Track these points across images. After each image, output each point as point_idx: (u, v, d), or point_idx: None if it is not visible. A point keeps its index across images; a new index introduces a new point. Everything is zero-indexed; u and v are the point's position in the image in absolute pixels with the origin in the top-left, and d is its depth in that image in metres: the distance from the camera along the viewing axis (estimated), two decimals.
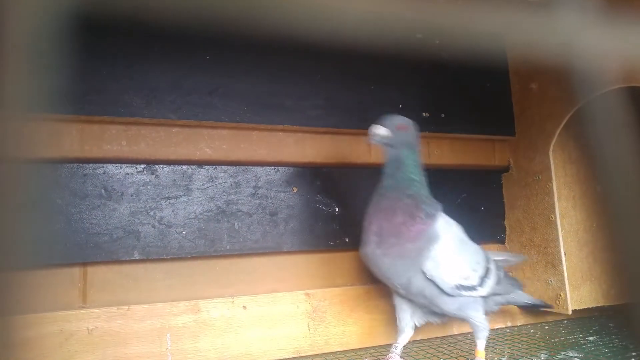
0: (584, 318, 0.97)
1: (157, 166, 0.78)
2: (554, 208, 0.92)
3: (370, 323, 0.85)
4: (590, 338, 0.85)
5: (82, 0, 0.16)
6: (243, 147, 0.83)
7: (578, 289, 0.91)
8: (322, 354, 0.81)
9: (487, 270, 0.72)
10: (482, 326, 0.70)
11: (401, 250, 0.65)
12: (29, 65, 0.16)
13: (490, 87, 1.04)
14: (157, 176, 0.78)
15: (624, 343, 0.80)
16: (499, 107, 1.04)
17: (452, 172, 1.02)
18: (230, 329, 0.77)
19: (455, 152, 1.02)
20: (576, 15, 0.23)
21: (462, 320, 0.72)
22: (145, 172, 0.77)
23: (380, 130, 0.66)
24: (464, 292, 0.68)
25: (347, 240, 0.88)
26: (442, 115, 0.98)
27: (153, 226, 0.76)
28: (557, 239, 0.91)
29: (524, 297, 0.83)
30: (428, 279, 0.66)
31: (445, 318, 0.74)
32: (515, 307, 1.01)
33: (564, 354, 0.76)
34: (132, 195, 0.76)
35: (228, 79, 0.81)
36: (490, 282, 0.72)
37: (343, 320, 0.84)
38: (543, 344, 0.83)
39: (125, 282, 0.75)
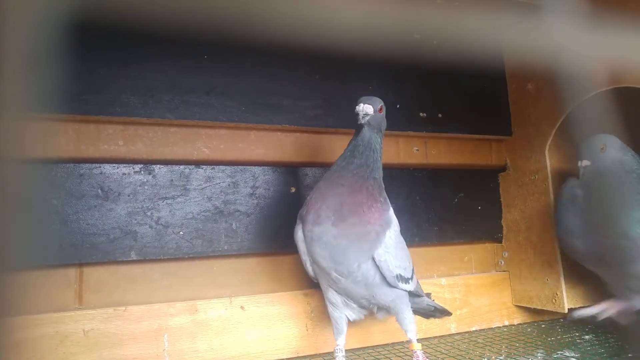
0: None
1: (154, 166, 0.78)
2: (550, 207, 0.92)
3: (369, 323, 0.85)
4: (587, 337, 0.86)
5: (79, 2, 0.16)
6: (241, 146, 0.83)
7: (574, 288, 0.92)
8: (320, 354, 0.81)
9: (413, 267, 0.73)
10: (410, 319, 0.70)
11: (362, 231, 0.62)
12: (25, 65, 0.16)
13: (487, 87, 1.05)
14: (154, 176, 0.78)
15: (620, 342, 0.80)
16: (496, 107, 1.04)
17: (449, 172, 1.03)
18: (228, 330, 0.77)
19: (452, 151, 1.02)
20: (565, 20, 0.23)
21: (390, 313, 0.71)
22: (142, 172, 0.77)
23: (369, 110, 0.64)
24: (400, 284, 0.67)
25: None
26: (439, 115, 0.98)
27: (150, 226, 0.76)
28: (554, 238, 0.91)
29: (430, 302, 0.80)
30: (376, 265, 0.64)
31: (380, 312, 0.72)
32: (512, 306, 1.01)
33: (561, 353, 0.77)
34: (129, 196, 0.75)
35: (226, 79, 0.81)
36: (415, 279, 0.73)
37: None
38: (540, 343, 0.84)
39: (122, 282, 0.75)
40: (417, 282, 0.75)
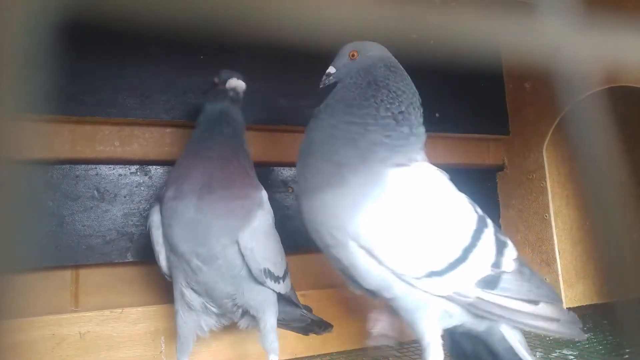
0: (578, 316, 0.98)
1: (150, 167, 0.77)
2: (547, 206, 0.93)
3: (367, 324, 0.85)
4: (585, 335, 0.86)
5: (74, 1, 0.16)
6: None
7: (572, 287, 0.92)
8: (318, 355, 0.81)
9: (287, 267, 0.64)
10: (274, 336, 0.59)
11: (231, 206, 0.55)
12: (20, 65, 0.15)
13: (485, 86, 1.05)
14: (150, 177, 0.77)
15: (618, 340, 0.81)
16: (493, 106, 1.05)
17: (447, 172, 1.02)
18: (224, 331, 0.76)
19: (449, 151, 1.02)
20: (561, 19, 0.23)
21: (256, 323, 0.60)
22: (138, 173, 0.76)
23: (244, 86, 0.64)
24: (268, 282, 0.58)
25: None
26: (437, 114, 0.99)
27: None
28: (551, 237, 0.92)
29: (305, 313, 0.70)
30: (241, 252, 0.55)
31: (243, 319, 0.62)
32: None
33: (559, 352, 0.77)
34: (125, 197, 0.75)
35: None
36: (289, 283, 0.64)
37: (339, 321, 0.84)
38: (538, 342, 0.84)
39: (118, 284, 0.74)
40: (292, 288, 0.67)
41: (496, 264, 0.52)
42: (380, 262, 0.49)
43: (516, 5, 0.69)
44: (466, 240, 0.51)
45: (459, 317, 0.52)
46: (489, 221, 0.56)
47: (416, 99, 0.59)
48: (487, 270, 0.51)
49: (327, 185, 0.50)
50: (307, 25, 0.20)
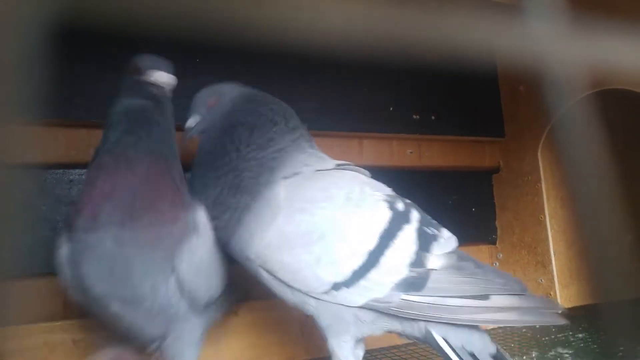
0: (573, 316, 0.99)
1: None
2: (543, 208, 0.93)
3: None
4: (580, 335, 0.86)
5: (69, 5, 0.16)
6: None
7: (567, 287, 0.93)
8: (318, 359, 0.80)
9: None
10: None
11: (158, 233, 0.44)
12: (13, 69, 0.15)
13: (480, 89, 1.05)
14: None
15: (612, 339, 0.81)
16: (489, 109, 1.05)
17: (443, 174, 1.03)
18: (221, 336, 0.76)
19: (445, 153, 1.03)
20: (553, 23, 0.24)
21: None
22: None
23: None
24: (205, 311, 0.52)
25: None
26: (433, 117, 0.99)
27: None
28: (547, 238, 0.92)
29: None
30: (180, 286, 0.46)
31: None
32: None
33: (555, 352, 0.77)
34: None
35: (217, 82, 0.80)
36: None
37: None
38: (534, 343, 0.84)
39: None
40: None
41: (417, 263, 0.47)
42: (284, 283, 0.47)
43: (509, 8, 0.70)
44: (372, 243, 0.47)
45: (386, 325, 0.49)
46: (413, 216, 0.51)
47: (285, 114, 0.57)
48: (405, 272, 0.46)
49: (232, 220, 0.49)
50: (302, 28, 0.20)
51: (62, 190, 0.71)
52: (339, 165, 0.55)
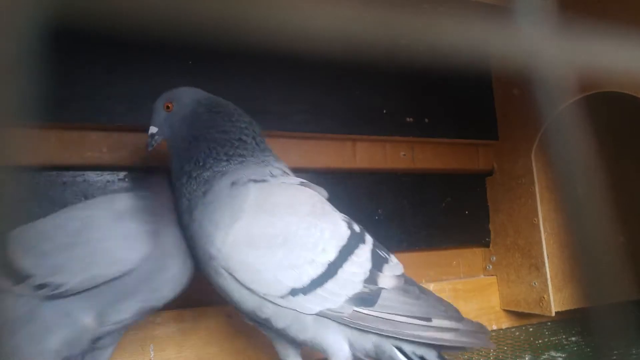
0: (567, 319, 0.99)
1: (139, 173, 0.76)
2: (536, 211, 0.94)
3: None
4: (573, 338, 0.87)
5: (62, 6, 0.16)
6: None
7: (561, 290, 0.93)
8: None
9: None
10: None
11: None
12: (6, 71, 0.15)
13: (474, 92, 1.06)
14: (139, 184, 0.76)
15: (605, 342, 0.82)
16: (482, 111, 1.06)
17: (437, 177, 1.03)
18: (215, 339, 0.75)
19: (439, 156, 1.03)
20: (544, 26, 0.24)
21: None
22: (127, 179, 0.76)
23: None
24: None
25: None
26: (426, 120, 0.99)
27: None
28: (540, 241, 0.93)
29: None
30: None
31: None
32: (500, 310, 1.02)
33: (548, 355, 0.77)
34: None
35: (211, 84, 0.80)
36: None
37: None
38: (527, 346, 0.84)
39: None
40: None
41: (371, 281, 0.50)
42: (242, 284, 0.48)
43: (502, 12, 0.70)
44: (332, 255, 0.50)
45: (341, 336, 0.50)
46: (367, 238, 0.55)
47: (249, 127, 0.58)
48: (360, 286, 0.49)
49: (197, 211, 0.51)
50: (295, 31, 0.20)
51: (56, 192, 0.70)
52: (302, 183, 0.57)
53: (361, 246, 0.53)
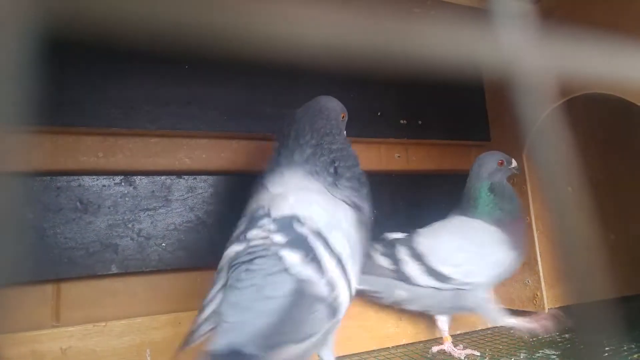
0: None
1: (135, 177, 0.76)
2: (529, 210, 0.95)
3: (352, 331, 0.85)
4: (566, 335, 0.88)
5: (57, 12, 0.16)
6: (223, 156, 0.83)
7: (554, 288, 0.94)
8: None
9: None
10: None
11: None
12: (1, 75, 0.16)
13: (466, 94, 1.07)
14: (135, 187, 0.76)
15: (598, 339, 0.83)
16: (474, 113, 1.07)
17: (430, 178, 1.04)
18: None
19: (432, 157, 1.04)
20: (530, 30, 0.25)
21: None
22: (123, 183, 0.76)
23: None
24: None
25: None
26: (420, 122, 1.00)
27: (132, 238, 0.74)
28: (533, 240, 0.94)
29: None
30: None
31: None
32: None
33: (542, 352, 0.78)
34: (109, 208, 0.74)
35: (207, 88, 0.80)
36: None
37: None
38: (522, 344, 0.85)
39: (102, 297, 0.73)
40: None
41: None
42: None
43: (491, 16, 0.71)
44: None
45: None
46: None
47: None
48: None
49: None
50: (289, 36, 0.21)
51: (49, 197, 0.70)
52: None
53: None
